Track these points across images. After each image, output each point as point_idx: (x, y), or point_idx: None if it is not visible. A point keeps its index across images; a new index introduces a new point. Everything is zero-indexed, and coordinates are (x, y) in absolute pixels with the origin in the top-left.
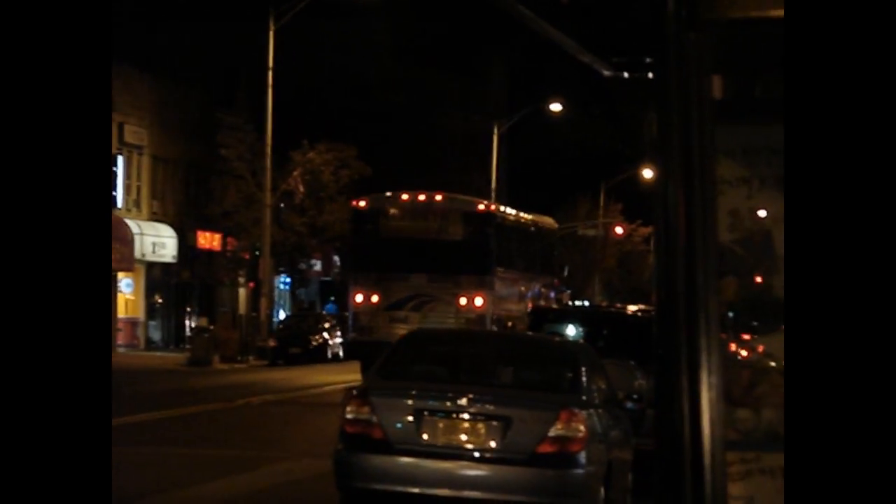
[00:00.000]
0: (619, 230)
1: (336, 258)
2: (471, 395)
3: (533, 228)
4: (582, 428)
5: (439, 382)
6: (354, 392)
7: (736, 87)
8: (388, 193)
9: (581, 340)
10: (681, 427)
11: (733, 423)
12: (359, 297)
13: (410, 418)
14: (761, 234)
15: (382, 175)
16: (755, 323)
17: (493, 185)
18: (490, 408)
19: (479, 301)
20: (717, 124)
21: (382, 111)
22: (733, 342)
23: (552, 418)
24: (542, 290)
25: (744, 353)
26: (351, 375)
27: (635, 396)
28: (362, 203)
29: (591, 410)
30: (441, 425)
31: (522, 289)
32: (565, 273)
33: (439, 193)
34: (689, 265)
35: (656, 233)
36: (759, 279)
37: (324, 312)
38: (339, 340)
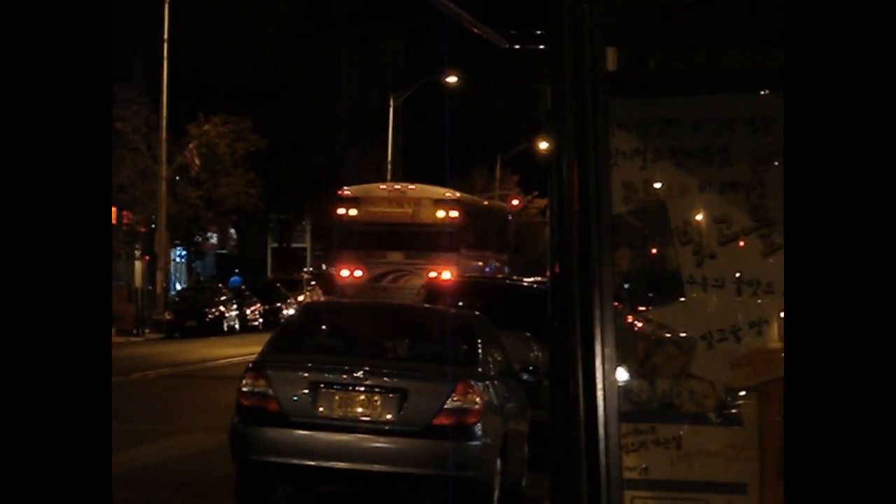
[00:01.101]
0: (515, 202)
1: (232, 231)
2: (367, 368)
3: (489, 213)
4: (478, 400)
5: (336, 355)
6: (250, 365)
7: (630, 60)
8: (369, 185)
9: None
10: (575, 398)
11: (627, 394)
12: (345, 272)
13: (306, 391)
14: (655, 205)
15: (280, 148)
16: (650, 294)
17: (390, 157)
18: (386, 380)
19: (446, 275)
20: (611, 96)
21: (279, 84)
22: (629, 314)
23: (448, 390)
24: (497, 265)
25: (639, 324)
26: (247, 349)
27: (531, 368)
28: (347, 192)
29: (488, 382)
30: (337, 398)
31: (481, 264)
32: (515, 251)
33: (412, 184)
34: (583, 237)
35: (551, 204)
36: (654, 250)
37: (226, 286)
38: (235, 313)
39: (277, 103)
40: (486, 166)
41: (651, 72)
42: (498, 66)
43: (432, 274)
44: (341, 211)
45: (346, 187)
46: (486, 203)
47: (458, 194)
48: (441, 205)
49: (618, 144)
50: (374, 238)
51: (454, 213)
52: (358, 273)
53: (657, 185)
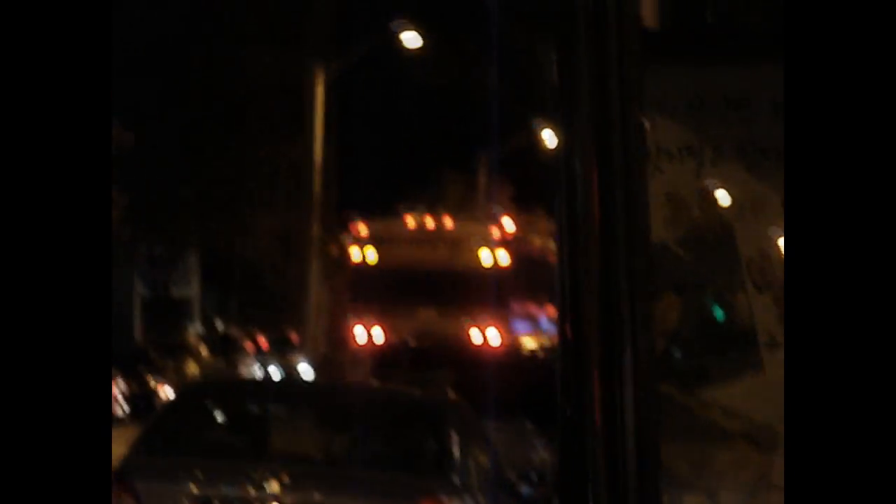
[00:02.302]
0: (508, 225)
1: None
2: (285, 479)
3: (545, 254)
4: None
5: (236, 459)
6: (113, 473)
7: (677, 12)
8: (390, 221)
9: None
10: None
11: None
12: (360, 336)
13: None
14: (718, 230)
15: (152, 148)
16: (711, 365)
17: (318, 156)
18: (315, 497)
19: (493, 336)
20: (649, 65)
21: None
22: (678, 394)
23: None
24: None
25: (695, 411)
26: None
27: (534, 475)
28: (362, 229)
29: (467, 499)
30: None
31: (534, 321)
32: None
33: (450, 218)
34: (605, 278)
35: (559, 229)
36: (715, 299)
37: None
38: None
39: (147, 82)
40: (464, 171)
41: (710, 28)
42: (481, 24)
43: (474, 334)
44: (355, 254)
45: (359, 221)
46: (539, 242)
47: (509, 230)
48: (488, 245)
49: (659, 139)
50: (399, 289)
51: (504, 257)
52: (378, 336)
53: (721, 200)
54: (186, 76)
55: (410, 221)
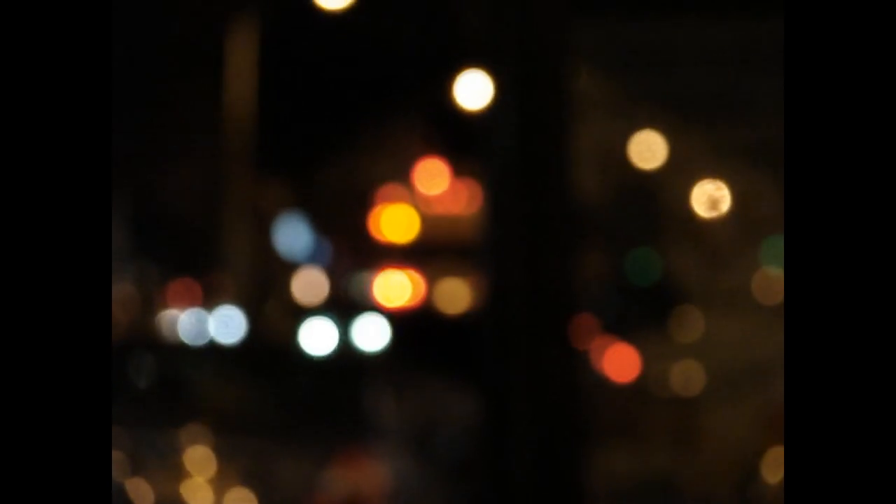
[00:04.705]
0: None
1: None
2: (210, 437)
3: None
4: (372, 478)
5: (160, 407)
6: None
7: None
8: None
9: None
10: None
11: (606, 475)
12: None
13: (117, 459)
14: (646, 182)
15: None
16: (638, 320)
17: (239, 108)
18: (241, 453)
19: None
20: (579, 19)
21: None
22: (603, 346)
23: (322, 462)
24: None
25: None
26: None
27: (458, 430)
28: None
29: (388, 449)
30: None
31: None
32: None
33: None
34: (532, 232)
35: (485, 182)
36: (642, 253)
37: None
38: None
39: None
40: (388, 123)
41: None
42: None
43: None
44: None
45: None
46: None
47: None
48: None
49: (590, 93)
50: None
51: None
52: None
53: (650, 155)
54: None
55: None
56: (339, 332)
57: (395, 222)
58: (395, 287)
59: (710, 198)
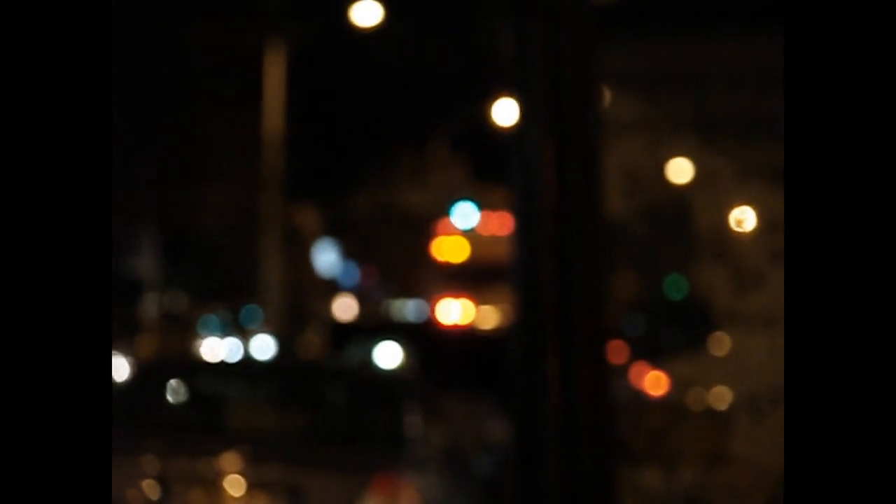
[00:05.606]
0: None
1: None
2: (241, 453)
3: None
4: (406, 500)
5: (193, 435)
6: None
7: None
8: None
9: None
10: (552, 497)
11: (634, 488)
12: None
13: (149, 487)
14: (674, 203)
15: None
16: (666, 339)
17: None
18: (271, 471)
19: None
20: (606, 39)
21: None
22: (635, 365)
23: (361, 485)
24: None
25: (651, 387)
26: None
27: (490, 450)
28: None
29: (422, 473)
30: (196, 498)
31: None
32: None
33: None
34: (561, 251)
35: (514, 202)
36: (671, 271)
37: None
38: None
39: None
40: (421, 147)
41: (666, 2)
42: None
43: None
44: None
45: None
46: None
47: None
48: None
49: (616, 113)
50: None
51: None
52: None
53: (677, 174)
54: (139, 52)
55: None
56: (367, 351)
57: (447, 248)
58: (451, 308)
59: (736, 219)
